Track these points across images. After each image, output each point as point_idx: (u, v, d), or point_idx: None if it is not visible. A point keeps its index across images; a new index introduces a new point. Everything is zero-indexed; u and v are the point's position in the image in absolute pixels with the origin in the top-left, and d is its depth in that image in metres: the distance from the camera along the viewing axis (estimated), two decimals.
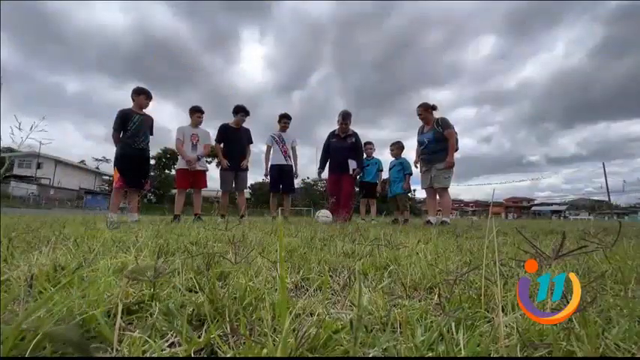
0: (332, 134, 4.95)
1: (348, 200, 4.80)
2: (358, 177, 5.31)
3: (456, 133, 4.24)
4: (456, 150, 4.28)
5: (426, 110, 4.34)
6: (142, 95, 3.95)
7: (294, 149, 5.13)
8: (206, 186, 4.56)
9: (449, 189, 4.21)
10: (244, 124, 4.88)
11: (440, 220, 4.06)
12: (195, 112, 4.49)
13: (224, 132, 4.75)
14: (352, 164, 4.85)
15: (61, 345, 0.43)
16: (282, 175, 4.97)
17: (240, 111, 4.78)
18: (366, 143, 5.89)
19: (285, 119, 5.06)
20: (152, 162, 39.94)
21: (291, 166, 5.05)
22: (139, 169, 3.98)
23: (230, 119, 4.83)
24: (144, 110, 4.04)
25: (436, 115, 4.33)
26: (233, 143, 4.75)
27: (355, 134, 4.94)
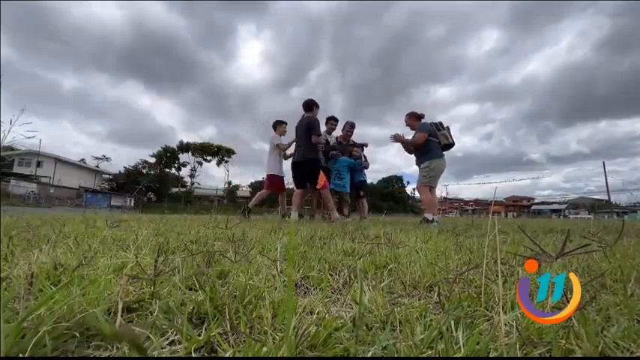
0: (336, 141, 5.42)
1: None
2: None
3: (440, 131, 4.36)
4: (449, 146, 4.37)
5: (410, 118, 4.62)
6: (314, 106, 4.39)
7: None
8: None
9: (435, 188, 4.40)
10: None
11: (428, 218, 4.06)
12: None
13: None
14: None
15: (62, 343, 0.43)
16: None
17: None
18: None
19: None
20: (153, 160, 39.96)
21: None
22: None
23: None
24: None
25: (439, 118, 4.50)
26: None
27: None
